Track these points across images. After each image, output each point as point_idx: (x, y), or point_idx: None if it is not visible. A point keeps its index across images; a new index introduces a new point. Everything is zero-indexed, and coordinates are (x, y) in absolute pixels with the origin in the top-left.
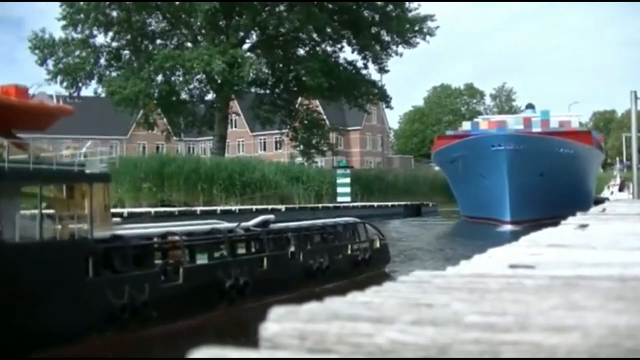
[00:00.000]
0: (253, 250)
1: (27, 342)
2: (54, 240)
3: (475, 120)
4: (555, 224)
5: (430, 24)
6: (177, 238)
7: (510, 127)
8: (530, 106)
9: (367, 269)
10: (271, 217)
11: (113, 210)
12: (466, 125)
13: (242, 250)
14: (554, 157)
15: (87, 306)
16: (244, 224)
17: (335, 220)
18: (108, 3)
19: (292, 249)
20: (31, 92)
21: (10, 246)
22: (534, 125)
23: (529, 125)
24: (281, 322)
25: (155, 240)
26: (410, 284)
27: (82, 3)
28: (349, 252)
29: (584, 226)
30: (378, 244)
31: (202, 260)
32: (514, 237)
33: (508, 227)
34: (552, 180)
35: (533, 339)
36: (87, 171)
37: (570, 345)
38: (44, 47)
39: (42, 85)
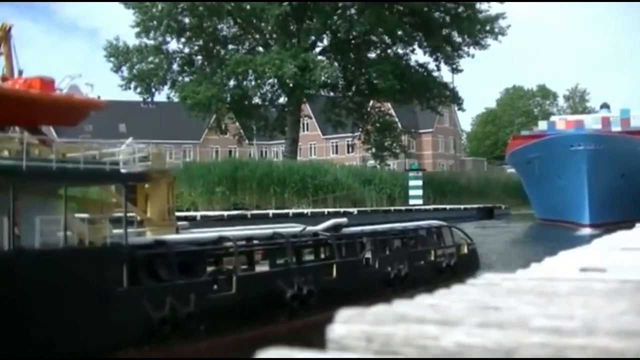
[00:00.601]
0: (322, 256)
1: (47, 355)
2: (81, 246)
3: (551, 119)
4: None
5: (501, 22)
6: (230, 243)
7: (588, 127)
8: (605, 105)
9: (452, 275)
10: (343, 220)
11: (186, 214)
12: (542, 125)
13: (310, 257)
14: (636, 157)
15: (119, 318)
16: (311, 228)
17: (417, 223)
18: (180, 9)
19: (367, 254)
20: (62, 85)
21: (29, 253)
22: (613, 124)
23: (607, 124)
24: (348, 324)
25: (205, 246)
26: (479, 286)
27: (154, 10)
28: (432, 257)
29: None
30: (465, 249)
31: (263, 267)
32: (592, 240)
33: (587, 230)
34: (634, 181)
35: (600, 343)
36: (123, 170)
37: (639, 350)
38: (118, 55)
39: (75, 77)
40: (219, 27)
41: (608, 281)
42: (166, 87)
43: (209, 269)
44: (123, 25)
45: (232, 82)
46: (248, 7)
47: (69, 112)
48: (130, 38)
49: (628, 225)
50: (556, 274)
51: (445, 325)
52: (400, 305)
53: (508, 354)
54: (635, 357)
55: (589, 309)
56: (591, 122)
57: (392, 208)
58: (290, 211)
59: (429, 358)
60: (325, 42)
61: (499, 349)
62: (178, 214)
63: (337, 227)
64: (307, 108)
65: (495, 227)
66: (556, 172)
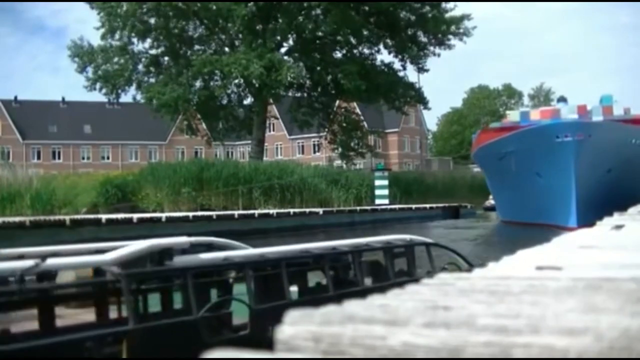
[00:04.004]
0: (115, 315)
1: None
2: None
3: (524, 109)
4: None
5: (466, 23)
6: None
7: (565, 117)
8: (563, 99)
9: None
10: (177, 240)
11: (151, 215)
12: (513, 116)
13: (86, 317)
14: (625, 149)
15: None
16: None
17: (373, 239)
18: (145, 10)
19: (229, 308)
20: None
21: None
22: (594, 113)
23: (585, 113)
24: (296, 325)
25: None
26: (433, 286)
27: (119, 10)
28: None
29: (619, 226)
30: None
31: None
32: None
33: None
34: (621, 177)
35: (544, 341)
36: None
37: (581, 348)
38: (82, 55)
39: None
40: (185, 27)
41: (561, 279)
42: (132, 88)
43: None
44: (91, 26)
45: (198, 83)
46: (214, 7)
47: None
48: (97, 39)
49: None
50: (512, 273)
51: (393, 325)
52: (350, 306)
53: (453, 353)
54: (578, 355)
55: (537, 307)
56: (567, 112)
57: (357, 208)
58: (256, 212)
59: (376, 358)
60: (291, 42)
61: (443, 348)
62: (142, 215)
63: (161, 256)
64: (273, 109)
65: (466, 227)
66: (536, 167)
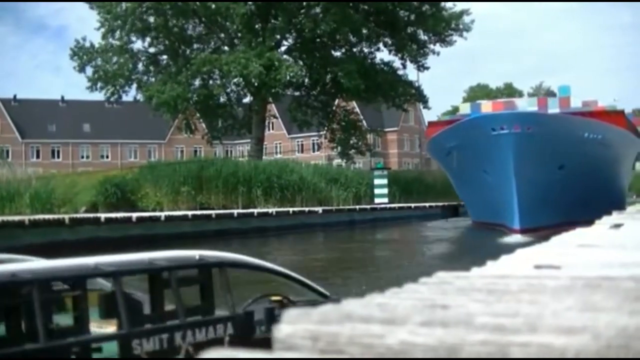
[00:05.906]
0: None
1: None
2: None
3: (477, 101)
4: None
5: (465, 18)
6: None
7: (522, 109)
8: (552, 94)
9: None
10: None
11: (150, 214)
12: (464, 108)
13: None
14: (578, 144)
15: None
16: None
17: (116, 259)
18: (144, 8)
19: None
20: None
21: None
22: (551, 106)
23: (544, 106)
24: (294, 324)
25: None
26: (431, 284)
27: (118, 9)
28: None
29: (617, 225)
30: None
31: None
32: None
33: (517, 236)
34: (576, 175)
35: (542, 340)
36: None
37: (579, 346)
38: (82, 54)
39: None
40: (185, 26)
41: (560, 278)
42: (133, 87)
43: None
44: (92, 25)
45: (197, 82)
46: (213, 6)
47: None
48: (97, 38)
49: (568, 229)
50: (510, 272)
51: (391, 323)
52: (348, 305)
53: (450, 351)
54: (575, 354)
55: (536, 306)
56: (526, 105)
57: (357, 207)
58: (255, 211)
59: (374, 358)
60: (291, 41)
61: (441, 346)
62: (142, 214)
63: None
64: (272, 107)
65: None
66: (479, 164)
